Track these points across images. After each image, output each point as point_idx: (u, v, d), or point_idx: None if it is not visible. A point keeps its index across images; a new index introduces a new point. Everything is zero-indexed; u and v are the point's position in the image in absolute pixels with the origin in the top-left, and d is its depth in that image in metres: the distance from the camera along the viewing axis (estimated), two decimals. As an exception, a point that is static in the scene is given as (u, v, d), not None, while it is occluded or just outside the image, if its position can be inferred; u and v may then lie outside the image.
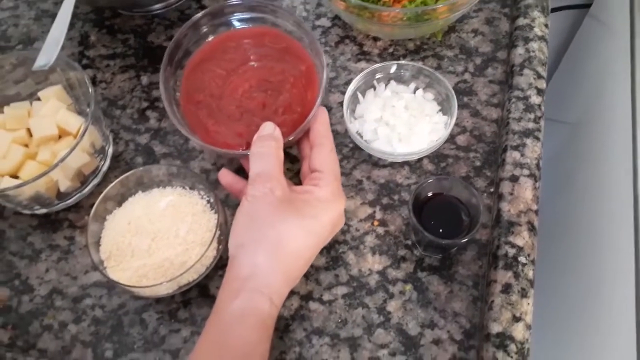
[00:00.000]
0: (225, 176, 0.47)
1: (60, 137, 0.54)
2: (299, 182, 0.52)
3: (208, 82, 0.50)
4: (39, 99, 0.56)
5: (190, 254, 0.46)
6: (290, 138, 0.45)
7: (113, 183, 0.48)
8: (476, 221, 0.43)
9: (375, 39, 0.62)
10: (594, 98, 0.74)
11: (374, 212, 0.51)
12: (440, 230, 0.44)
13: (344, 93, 0.54)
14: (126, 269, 0.45)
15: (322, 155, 0.45)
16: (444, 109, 0.54)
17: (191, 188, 0.50)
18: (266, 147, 0.43)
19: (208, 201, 0.49)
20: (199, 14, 0.50)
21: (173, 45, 0.50)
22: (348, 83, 0.55)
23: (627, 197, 0.55)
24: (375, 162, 0.54)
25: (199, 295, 0.48)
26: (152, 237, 0.46)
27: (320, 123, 0.46)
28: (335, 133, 0.48)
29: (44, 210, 0.53)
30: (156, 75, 0.63)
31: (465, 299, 0.46)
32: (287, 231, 0.40)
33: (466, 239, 0.42)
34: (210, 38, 0.52)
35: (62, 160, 0.48)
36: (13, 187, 0.47)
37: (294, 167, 0.55)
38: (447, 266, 0.48)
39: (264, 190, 0.41)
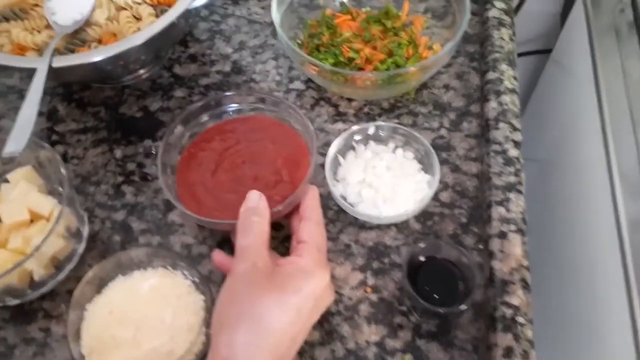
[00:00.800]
0: (218, 256, 0.47)
1: (32, 221, 0.52)
2: (284, 250, 0.51)
3: (205, 159, 0.53)
4: (7, 180, 0.54)
5: (178, 341, 0.43)
6: (279, 209, 0.46)
7: (90, 270, 0.46)
8: (472, 285, 0.42)
9: (350, 99, 0.62)
10: (565, 134, 0.76)
11: (365, 277, 0.50)
12: (436, 296, 0.44)
13: (323, 155, 0.54)
14: (110, 364, 0.42)
15: (308, 227, 0.45)
16: (425, 167, 0.54)
17: (173, 267, 0.48)
18: (251, 222, 0.43)
19: (193, 281, 0.47)
20: (198, 104, 0.54)
21: (169, 133, 0.53)
22: (327, 144, 0.55)
23: (610, 233, 0.55)
24: (362, 225, 0.53)
25: (190, 384, 0.46)
26: (136, 325, 0.44)
27: (309, 198, 0.47)
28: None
29: (16, 302, 0.50)
30: (130, 148, 0.61)
31: (466, 364, 0.45)
32: (267, 307, 0.38)
33: (464, 306, 0.41)
34: (209, 125, 0.55)
35: (37, 249, 0.45)
36: (-18, 283, 0.44)
37: (279, 234, 0.53)
38: (445, 331, 0.46)
39: (246, 265, 0.41)
